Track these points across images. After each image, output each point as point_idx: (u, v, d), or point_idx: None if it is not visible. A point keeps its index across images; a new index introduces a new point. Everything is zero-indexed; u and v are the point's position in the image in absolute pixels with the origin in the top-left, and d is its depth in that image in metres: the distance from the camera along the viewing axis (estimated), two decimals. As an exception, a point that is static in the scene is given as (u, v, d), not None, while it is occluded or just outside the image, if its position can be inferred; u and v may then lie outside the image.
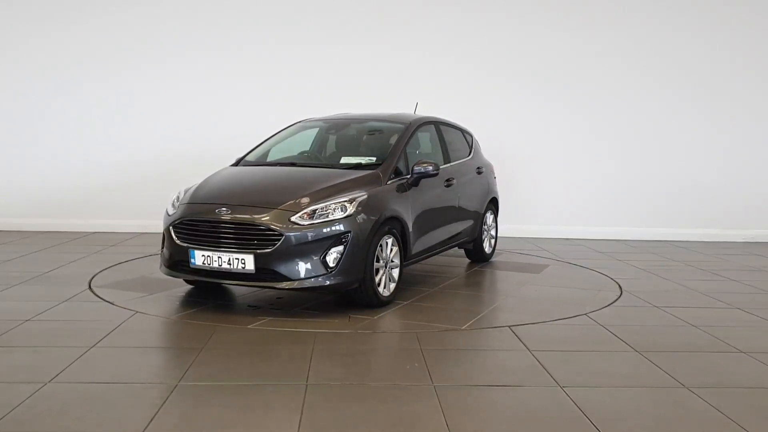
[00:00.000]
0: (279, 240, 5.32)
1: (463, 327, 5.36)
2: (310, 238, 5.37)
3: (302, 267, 5.36)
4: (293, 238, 5.33)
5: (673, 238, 10.36)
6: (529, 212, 10.38)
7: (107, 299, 5.93)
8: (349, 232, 5.48)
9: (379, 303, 5.79)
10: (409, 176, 6.33)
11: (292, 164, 6.59)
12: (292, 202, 5.52)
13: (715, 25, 10.42)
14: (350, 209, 5.54)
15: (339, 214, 5.49)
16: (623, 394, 3.99)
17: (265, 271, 5.34)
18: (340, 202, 5.56)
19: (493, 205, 8.36)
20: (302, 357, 4.48)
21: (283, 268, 5.33)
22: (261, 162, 6.80)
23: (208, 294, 6.17)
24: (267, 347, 4.74)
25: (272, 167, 6.59)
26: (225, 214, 5.47)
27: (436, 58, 10.29)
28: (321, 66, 10.23)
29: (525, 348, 4.80)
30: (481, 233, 7.96)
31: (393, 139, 6.70)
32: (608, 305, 6.13)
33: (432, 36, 10.31)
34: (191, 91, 10.16)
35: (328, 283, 5.42)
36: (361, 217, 5.57)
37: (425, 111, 8.06)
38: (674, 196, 10.45)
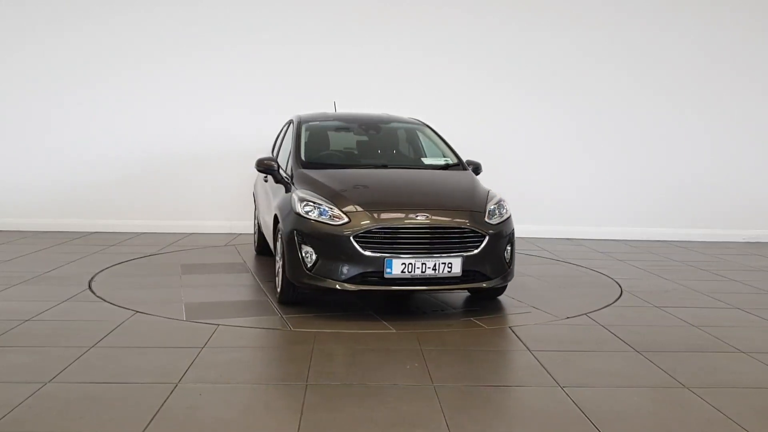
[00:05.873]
0: (483, 241, 5.41)
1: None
2: (500, 237, 5.56)
3: (495, 266, 5.56)
4: (494, 238, 5.48)
5: (673, 238, 10.35)
6: (529, 212, 10.33)
7: (107, 299, 5.93)
8: (513, 230, 5.83)
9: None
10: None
11: (384, 166, 6.42)
12: (472, 203, 5.65)
13: (714, 25, 10.40)
14: (507, 208, 5.83)
15: (503, 214, 5.74)
16: (623, 394, 3.99)
17: (469, 273, 5.39)
18: (498, 202, 5.80)
19: None
20: (302, 357, 4.48)
21: (483, 269, 5.47)
22: (340, 163, 6.41)
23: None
24: (267, 347, 4.74)
25: (377, 170, 6.24)
26: (427, 219, 5.33)
27: (431, 59, 10.25)
28: (320, 65, 10.21)
29: (525, 348, 4.79)
30: None
31: (432, 141, 6.93)
32: (608, 305, 6.13)
33: (425, 37, 10.29)
34: (191, 91, 10.13)
35: (508, 279, 5.77)
36: (511, 216, 5.86)
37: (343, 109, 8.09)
38: (674, 196, 10.44)
